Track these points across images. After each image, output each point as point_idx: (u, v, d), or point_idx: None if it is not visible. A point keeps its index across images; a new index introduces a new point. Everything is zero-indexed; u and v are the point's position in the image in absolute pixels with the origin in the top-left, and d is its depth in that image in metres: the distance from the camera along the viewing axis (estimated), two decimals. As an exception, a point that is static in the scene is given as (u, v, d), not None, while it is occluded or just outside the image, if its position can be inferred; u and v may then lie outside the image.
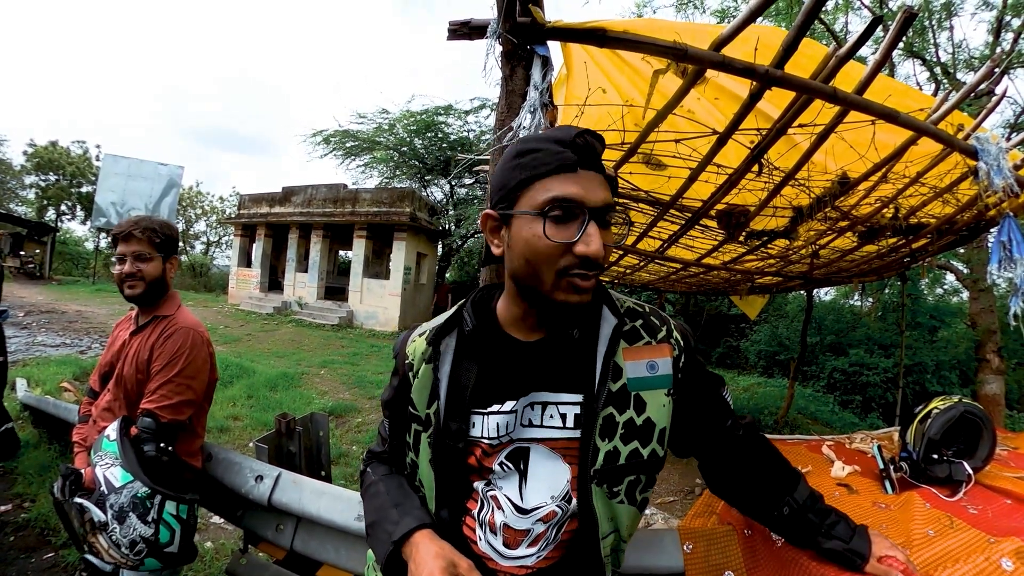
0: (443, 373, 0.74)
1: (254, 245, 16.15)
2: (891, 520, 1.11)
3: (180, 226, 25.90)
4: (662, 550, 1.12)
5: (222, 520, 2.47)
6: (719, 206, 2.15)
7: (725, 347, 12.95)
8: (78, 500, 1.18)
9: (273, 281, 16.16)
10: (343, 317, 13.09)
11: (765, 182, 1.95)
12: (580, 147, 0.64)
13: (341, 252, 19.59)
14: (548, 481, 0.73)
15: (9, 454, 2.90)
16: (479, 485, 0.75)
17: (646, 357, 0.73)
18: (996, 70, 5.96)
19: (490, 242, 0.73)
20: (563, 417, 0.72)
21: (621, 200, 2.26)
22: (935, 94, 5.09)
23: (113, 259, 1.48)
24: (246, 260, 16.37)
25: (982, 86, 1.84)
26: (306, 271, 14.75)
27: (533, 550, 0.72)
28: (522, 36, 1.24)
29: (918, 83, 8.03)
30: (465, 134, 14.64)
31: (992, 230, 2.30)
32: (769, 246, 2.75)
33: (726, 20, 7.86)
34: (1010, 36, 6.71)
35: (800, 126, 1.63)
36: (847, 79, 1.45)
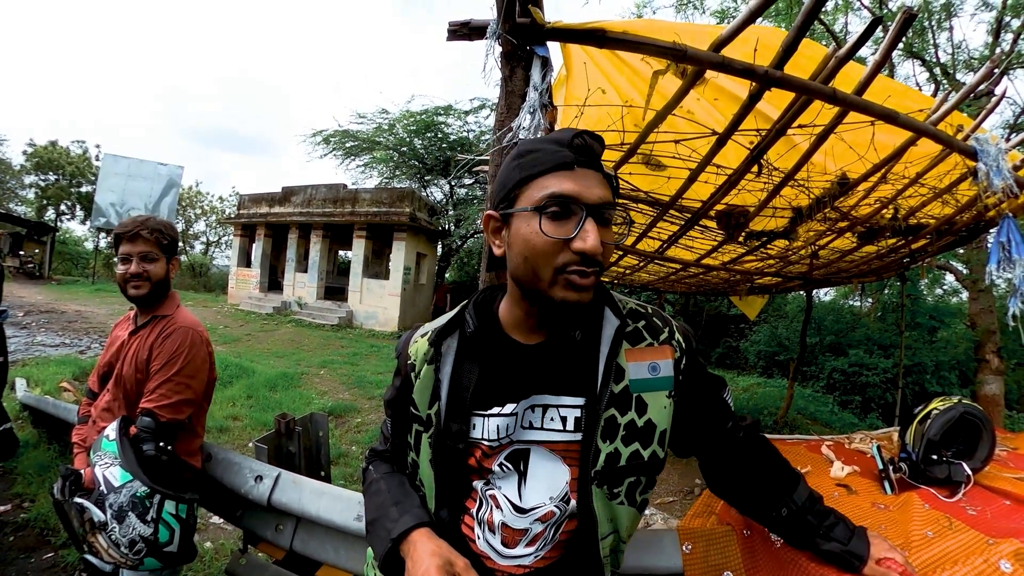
0: (444, 374, 0.75)
1: (254, 245, 16.13)
2: (890, 521, 1.11)
3: (180, 226, 25.85)
4: (661, 550, 1.12)
5: (222, 520, 2.46)
6: (719, 207, 2.15)
7: (725, 347, 12.94)
8: (78, 500, 1.18)
9: (273, 281, 16.13)
10: (343, 317, 13.07)
11: (764, 183, 1.96)
12: (577, 146, 0.65)
13: (341, 252, 19.58)
14: (547, 482, 0.73)
15: (8, 454, 2.89)
16: (478, 484, 0.76)
17: (648, 359, 0.73)
18: (995, 71, 5.97)
19: (492, 243, 0.73)
20: (563, 420, 0.72)
21: (621, 201, 2.26)
22: (935, 95, 5.10)
23: (116, 259, 1.46)
24: (246, 260, 16.34)
25: (981, 87, 1.84)
26: (306, 271, 14.72)
27: (531, 549, 0.73)
28: (522, 37, 1.24)
29: (917, 84, 8.03)
30: (465, 134, 14.61)
31: (991, 231, 2.30)
32: (768, 247, 2.75)
33: (726, 21, 7.86)
34: (1009, 37, 6.71)
35: (800, 127, 1.63)
36: (847, 80, 1.45)
